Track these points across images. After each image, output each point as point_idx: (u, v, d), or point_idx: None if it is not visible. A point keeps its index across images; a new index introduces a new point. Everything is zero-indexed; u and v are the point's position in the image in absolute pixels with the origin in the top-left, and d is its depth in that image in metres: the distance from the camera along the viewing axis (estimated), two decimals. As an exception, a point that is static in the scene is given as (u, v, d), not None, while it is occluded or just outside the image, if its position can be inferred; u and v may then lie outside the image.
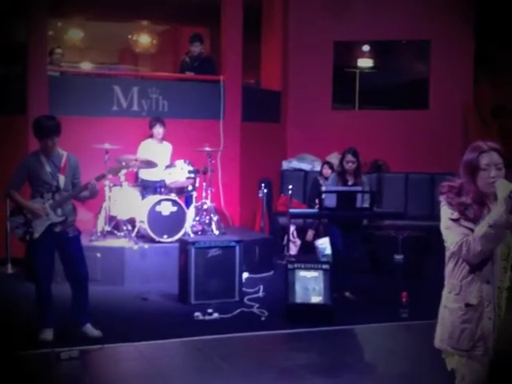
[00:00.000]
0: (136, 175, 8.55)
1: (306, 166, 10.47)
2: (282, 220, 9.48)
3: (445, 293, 3.23)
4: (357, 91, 11.80)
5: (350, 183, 7.17)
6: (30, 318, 5.80)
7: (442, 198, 3.21)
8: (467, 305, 3.10)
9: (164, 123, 8.56)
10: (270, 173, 10.24)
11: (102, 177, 5.80)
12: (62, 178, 5.53)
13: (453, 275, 3.17)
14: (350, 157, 7.12)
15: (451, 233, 3.12)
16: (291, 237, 9.16)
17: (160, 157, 8.28)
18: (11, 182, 5.56)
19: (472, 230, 3.03)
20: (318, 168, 9.95)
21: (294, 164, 10.56)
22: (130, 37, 14.72)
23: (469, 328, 3.09)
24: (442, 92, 10.78)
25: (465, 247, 3.02)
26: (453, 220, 3.12)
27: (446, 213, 3.16)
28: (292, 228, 9.23)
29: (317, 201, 7.36)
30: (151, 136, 8.58)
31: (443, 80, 10.77)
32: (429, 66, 11.02)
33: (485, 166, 3.05)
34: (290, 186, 9.16)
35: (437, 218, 3.26)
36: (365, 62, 12.06)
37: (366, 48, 11.93)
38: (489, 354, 3.07)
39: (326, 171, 9.03)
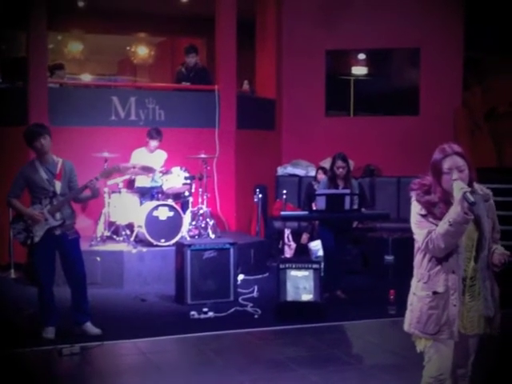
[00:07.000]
0: (132, 182, 8.75)
1: (300, 172, 10.68)
2: (278, 224, 9.70)
3: (414, 281, 3.48)
4: (351, 98, 12.05)
5: (340, 187, 7.37)
6: (33, 319, 6.08)
7: (413, 194, 3.47)
8: (434, 293, 3.34)
9: (161, 138, 8.68)
10: (265, 178, 10.45)
11: (95, 179, 5.94)
12: (58, 184, 5.80)
13: (421, 266, 3.42)
14: (340, 162, 7.33)
15: (419, 228, 3.37)
16: (286, 240, 9.40)
17: (152, 164, 8.42)
18: (11, 190, 5.84)
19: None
20: (312, 173, 10.14)
21: (289, 170, 10.77)
22: (128, 48, 15.01)
23: (435, 314, 3.34)
24: (432, 98, 10.97)
25: (430, 245, 3.28)
26: (421, 215, 3.37)
27: (416, 208, 3.41)
28: (287, 232, 9.47)
29: (313, 204, 7.58)
30: (146, 145, 8.78)
31: (433, 86, 10.97)
32: (419, 73, 11.25)
33: (447, 169, 3.30)
34: (285, 191, 9.41)
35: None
36: (359, 70, 12.25)
37: (360, 56, 12.11)
38: (453, 337, 3.32)
39: (321, 176, 9.13)
